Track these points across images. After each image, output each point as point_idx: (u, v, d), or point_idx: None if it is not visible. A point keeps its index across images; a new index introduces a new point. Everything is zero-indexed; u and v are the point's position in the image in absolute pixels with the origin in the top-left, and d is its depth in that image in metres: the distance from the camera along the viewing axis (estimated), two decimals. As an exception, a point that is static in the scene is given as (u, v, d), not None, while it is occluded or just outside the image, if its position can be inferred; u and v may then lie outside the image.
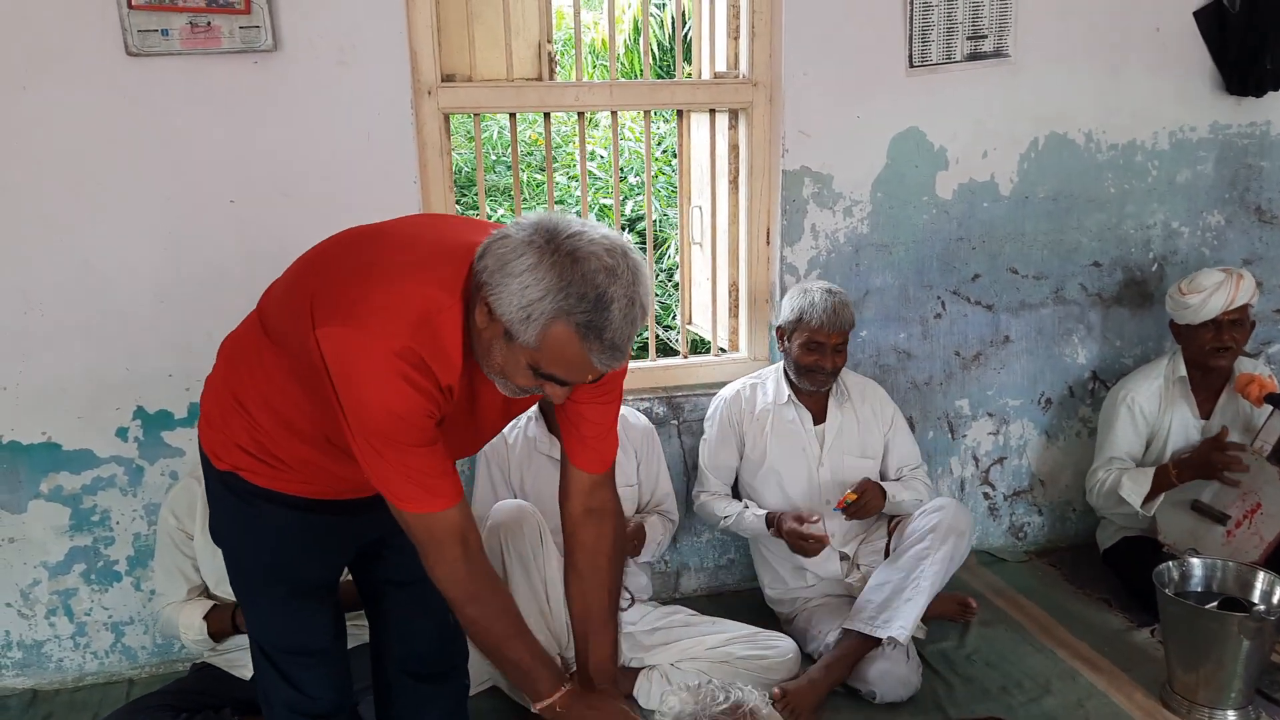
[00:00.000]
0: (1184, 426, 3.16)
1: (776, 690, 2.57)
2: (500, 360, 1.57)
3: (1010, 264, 3.37)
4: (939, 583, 2.69)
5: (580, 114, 3.16)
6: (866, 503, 2.82)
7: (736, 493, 3.05)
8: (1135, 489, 3.08)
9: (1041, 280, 3.41)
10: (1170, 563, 2.77)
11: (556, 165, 5.83)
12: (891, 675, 2.63)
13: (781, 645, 2.72)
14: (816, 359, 2.83)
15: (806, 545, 2.73)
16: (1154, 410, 3.18)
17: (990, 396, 3.47)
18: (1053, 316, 3.46)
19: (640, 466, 2.92)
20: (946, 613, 3.09)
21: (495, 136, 6.35)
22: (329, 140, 2.73)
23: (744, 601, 3.23)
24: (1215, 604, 2.63)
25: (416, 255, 1.63)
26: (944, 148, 3.19)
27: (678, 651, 2.73)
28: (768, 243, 3.21)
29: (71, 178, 2.60)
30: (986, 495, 3.57)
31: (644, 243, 3.41)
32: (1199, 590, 2.75)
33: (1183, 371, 3.16)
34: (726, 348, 3.40)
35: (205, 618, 2.50)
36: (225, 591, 2.55)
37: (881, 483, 2.90)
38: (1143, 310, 3.52)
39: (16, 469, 2.71)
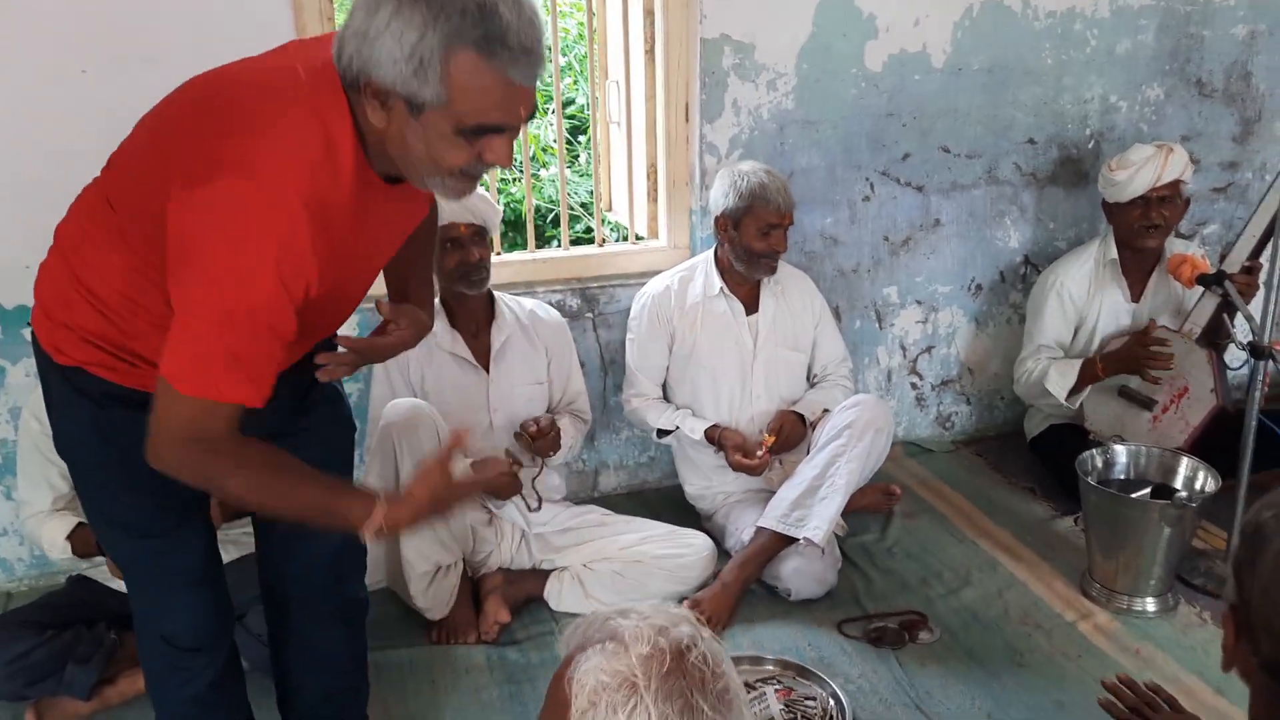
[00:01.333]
0: (1114, 310, 3.07)
1: (687, 603, 2.48)
2: (421, 147, 1.36)
3: (942, 142, 3.19)
4: (855, 481, 2.59)
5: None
6: (786, 437, 2.73)
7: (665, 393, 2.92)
8: (1061, 381, 2.99)
9: (974, 159, 3.25)
10: (1094, 450, 2.70)
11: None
12: (806, 572, 2.55)
13: (696, 543, 2.61)
14: (771, 244, 2.66)
15: (751, 471, 2.68)
16: (1083, 295, 3.07)
17: (919, 284, 3.34)
18: (985, 198, 3.31)
19: (551, 364, 2.75)
20: (870, 504, 3.01)
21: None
22: None
23: (665, 498, 3.12)
24: (1141, 493, 2.57)
25: (284, 86, 1.39)
26: (873, 14, 2.98)
27: (591, 552, 2.62)
28: (686, 120, 2.99)
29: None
30: (914, 385, 3.47)
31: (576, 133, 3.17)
32: (1122, 478, 2.69)
33: (1114, 254, 3.05)
34: (645, 235, 3.21)
35: (69, 538, 2.32)
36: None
37: (798, 405, 2.81)
38: (1077, 190, 3.38)
39: None
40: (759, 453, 2.68)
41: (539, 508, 2.65)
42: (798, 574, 2.56)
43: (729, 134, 2.97)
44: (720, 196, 2.68)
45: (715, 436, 2.75)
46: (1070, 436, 3.09)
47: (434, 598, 2.49)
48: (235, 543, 2.44)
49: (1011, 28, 3.12)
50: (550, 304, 2.92)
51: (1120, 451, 2.71)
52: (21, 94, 2.40)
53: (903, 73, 3.07)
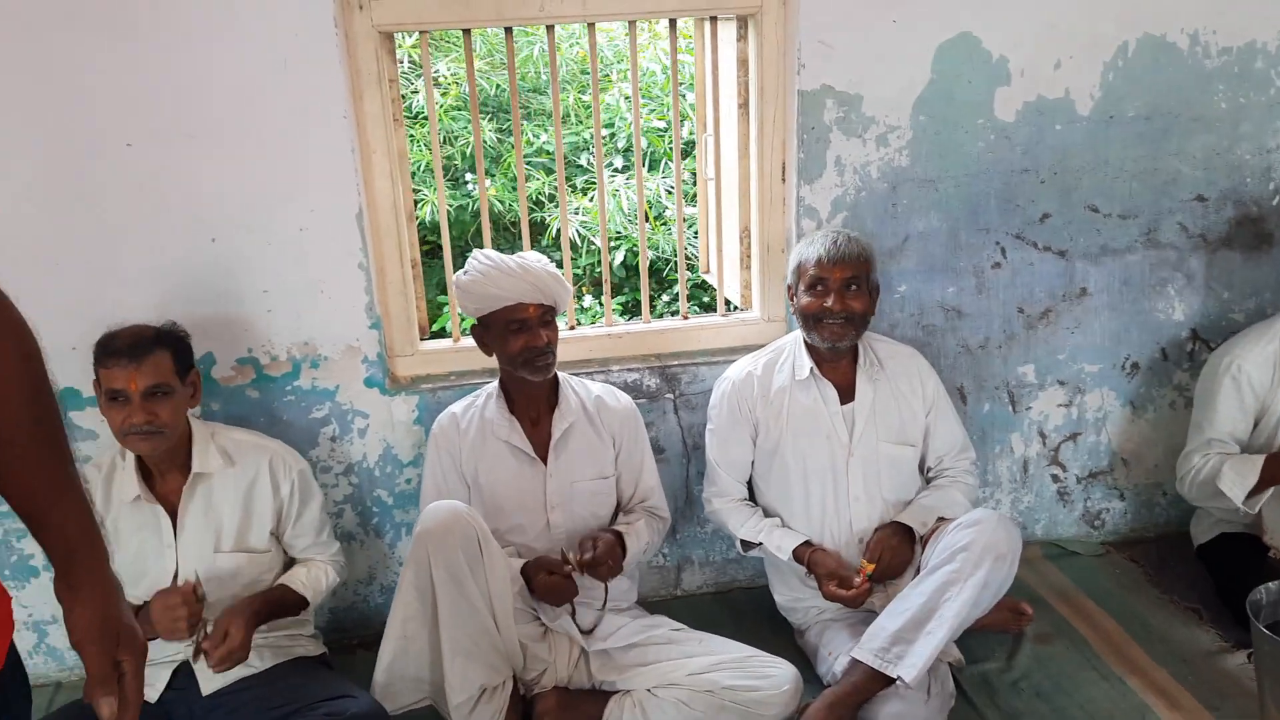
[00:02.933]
0: (1304, 404, 2.54)
1: (759, 753, 2.13)
2: None
3: (1089, 200, 2.74)
4: (968, 614, 2.18)
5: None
6: (889, 563, 2.35)
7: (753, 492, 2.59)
8: (1238, 480, 2.49)
9: (1129, 220, 2.77)
10: (1272, 584, 2.20)
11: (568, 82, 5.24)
12: (906, 719, 2.15)
13: (777, 674, 2.24)
14: (820, 301, 2.32)
15: (848, 603, 2.34)
16: (1266, 381, 2.56)
17: (1061, 361, 2.88)
18: (1142, 263, 2.82)
19: (619, 456, 2.46)
20: (996, 622, 2.57)
21: (536, 55, 5.78)
22: (237, 69, 2.28)
23: (754, 601, 2.77)
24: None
25: None
26: (1004, 58, 2.57)
27: (656, 676, 2.29)
28: (783, 180, 2.66)
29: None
30: (1055, 478, 2.99)
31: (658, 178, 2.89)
32: (1312, 619, 2.18)
33: (1306, 334, 2.53)
34: (740, 305, 2.88)
35: None
36: (134, 596, 2.21)
37: (906, 514, 2.42)
38: (1258, 254, 2.85)
39: (-89, 454, 2.41)
40: (856, 581, 2.30)
41: (601, 618, 2.35)
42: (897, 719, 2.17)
43: (831, 195, 2.61)
44: (789, 264, 2.36)
45: (805, 558, 2.39)
46: (1245, 549, 2.59)
47: (478, 724, 2.22)
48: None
49: (1175, 68, 2.64)
50: (626, 383, 2.63)
51: (1308, 584, 2.21)
52: (59, 173, 2.30)
53: (1040, 123, 2.64)
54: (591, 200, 4.63)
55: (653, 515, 2.51)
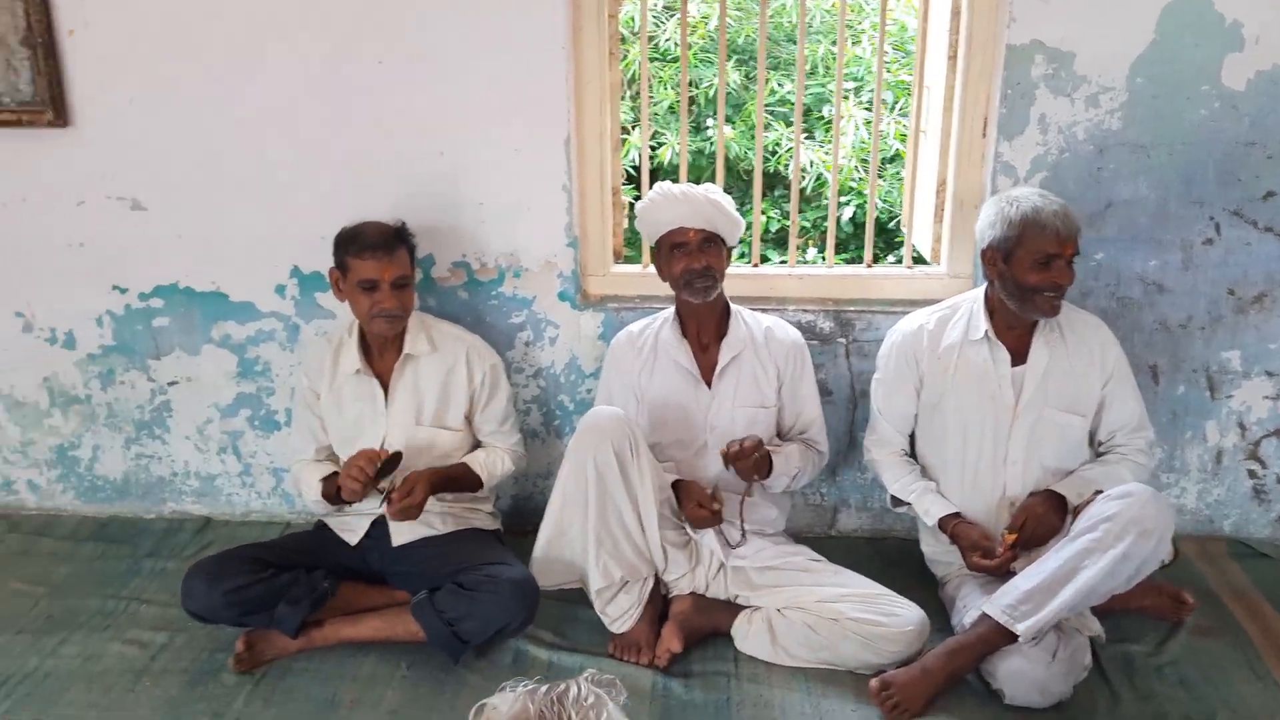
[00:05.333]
0: None
1: (874, 683, 2.21)
2: None
3: (1326, 181, 2.54)
4: (1102, 585, 2.13)
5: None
6: (1034, 531, 2.33)
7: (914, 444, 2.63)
8: None
9: (1372, 205, 2.55)
10: None
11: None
12: (1026, 676, 2.16)
13: (902, 614, 2.31)
14: (1051, 276, 2.28)
15: (991, 573, 2.35)
16: None
17: (1274, 351, 2.70)
18: (1384, 255, 2.59)
19: (783, 387, 2.57)
20: (1154, 607, 2.52)
21: (790, 3, 5.80)
22: (472, -1, 2.55)
23: (906, 552, 2.80)
24: None
25: None
26: (1238, 22, 2.42)
27: (786, 597, 2.42)
28: (984, 135, 2.64)
29: (238, 37, 2.63)
30: (1253, 473, 2.82)
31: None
32: None
33: None
34: (929, 258, 2.89)
35: (324, 481, 2.56)
36: (348, 456, 2.59)
37: (1063, 484, 2.39)
38: None
39: (191, 313, 2.89)
40: (998, 551, 2.32)
41: (741, 541, 2.50)
42: (1016, 676, 2.18)
43: (1031, 154, 2.57)
44: (987, 226, 2.33)
45: (950, 528, 2.43)
46: None
47: (615, 612, 2.44)
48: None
49: None
50: (800, 323, 2.73)
51: None
52: (323, 83, 2.65)
53: (1275, 93, 2.47)
54: (827, 152, 4.67)
55: (809, 446, 2.60)
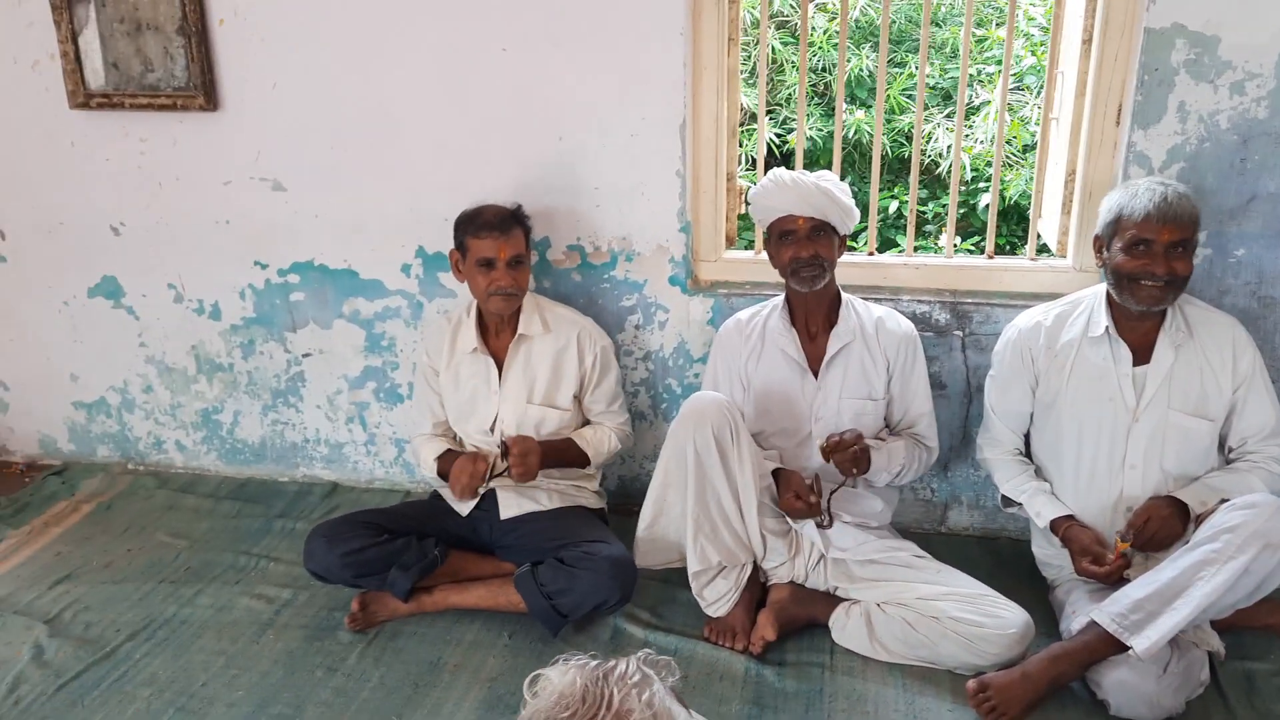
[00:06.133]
0: None
1: (972, 684, 2.16)
2: None
3: None
4: (1221, 599, 2.02)
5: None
6: (1154, 533, 2.23)
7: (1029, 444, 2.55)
8: None
9: None
10: None
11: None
12: (1133, 689, 2.08)
13: (1006, 616, 2.25)
14: (1144, 264, 2.18)
15: (1102, 580, 2.27)
16: None
17: None
18: None
19: (892, 379, 2.53)
20: (1277, 624, 2.37)
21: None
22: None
23: (1018, 553, 2.73)
24: None
25: None
26: (1404, 1, 2.23)
27: (887, 592, 2.39)
28: (1117, 123, 2.52)
29: (371, 26, 2.74)
30: None
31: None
32: None
33: None
34: (1056, 251, 2.78)
35: (438, 459, 2.67)
36: (463, 431, 2.70)
37: (1185, 491, 2.27)
38: None
39: (324, 289, 3.05)
40: (1109, 558, 2.23)
41: (828, 525, 2.47)
42: (1122, 688, 2.09)
43: (1168, 143, 2.44)
44: (1102, 214, 2.24)
45: (1061, 531, 2.35)
46: None
47: (711, 595, 2.46)
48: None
49: None
50: (914, 314, 2.68)
51: None
52: (449, 70, 2.74)
53: None
54: (970, 139, 4.55)
55: (917, 442, 2.56)
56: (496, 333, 2.67)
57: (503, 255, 2.50)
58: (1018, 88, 4.55)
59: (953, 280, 2.75)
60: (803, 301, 2.52)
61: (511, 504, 2.62)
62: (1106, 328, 2.32)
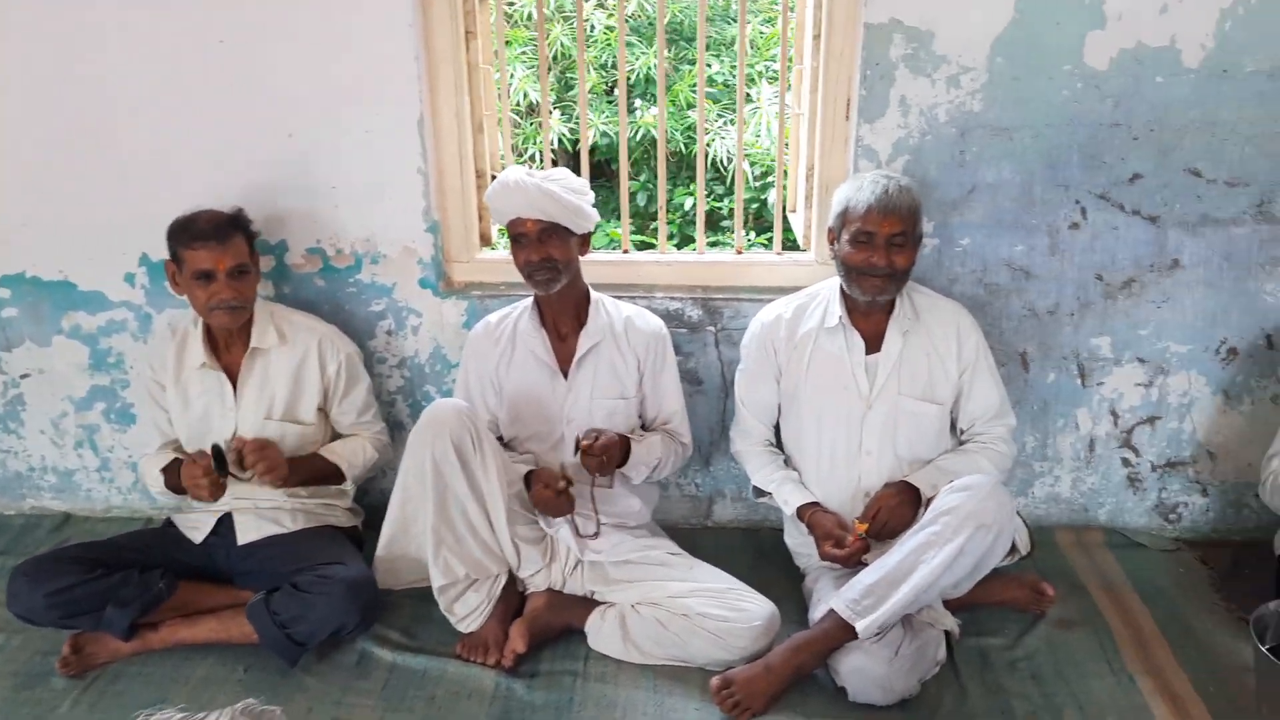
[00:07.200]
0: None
1: (715, 681, 2.15)
2: None
3: (1190, 163, 2.49)
4: (940, 580, 2.10)
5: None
6: (885, 522, 2.28)
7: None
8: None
9: (1238, 188, 2.51)
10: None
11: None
12: (866, 674, 2.11)
13: (751, 609, 2.26)
14: (867, 255, 2.23)
15: (841, 563, 2.30)
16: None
17: (1144, 337, 2.66)
18: (1251, 238, 2.55)
19: (644, 378, 2.50)
20: (1015, 599, 2.48)
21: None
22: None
23: (780, 542, 2.73)
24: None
25: None
26: (1099, -1, 2.37)
27: (640, 593, 2.36)
28: (846, 117, 2.57)
29: (81, 20, 2.52)
30: (1126, 461, 2.79)
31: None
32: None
33: None
34: (802, 244, 2.83)
35: (163, 470, 2.47)
36: (194, 448, 2.50)
37: (919, 475, 2.34)
38: (1397, 241, 2.52)
39: (39, 303, 2.78)
40: (848, 540, 2.27)
41: (596, 534, 2.43)
42: (857, 673, 2.13)
43: (892, 136, 2.51)
44: (832, 208, 2.28)
45: (807, 517, 2.38)
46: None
47: (462, 610, 2.37)
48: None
49: (1306, 18, 2.34)
50: (667, 311, 2.66)
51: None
52: (166, 64, 2.54)
53: (1139, 73, 2.42)
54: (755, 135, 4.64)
55: (671, 437, 2.54)
56: (228, 346, 2.49)
57: (221, 266, 2.32)
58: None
59: (704, 277, 2.75)
60: (550, 302, 2.46)
61: (250, 528, 2.45)
62: (840, 318, 2.36)
